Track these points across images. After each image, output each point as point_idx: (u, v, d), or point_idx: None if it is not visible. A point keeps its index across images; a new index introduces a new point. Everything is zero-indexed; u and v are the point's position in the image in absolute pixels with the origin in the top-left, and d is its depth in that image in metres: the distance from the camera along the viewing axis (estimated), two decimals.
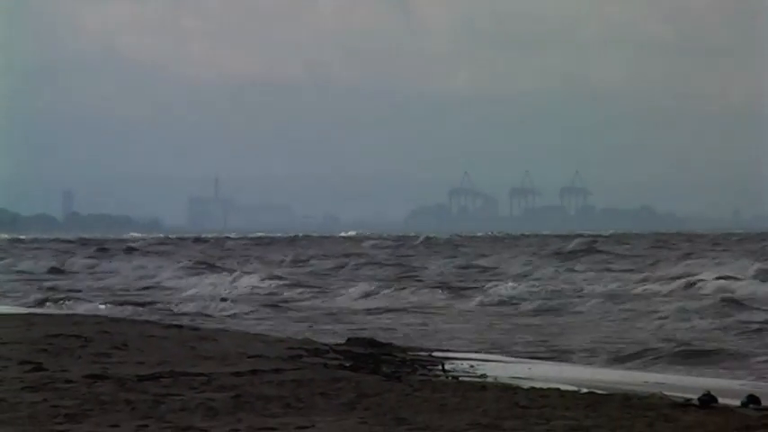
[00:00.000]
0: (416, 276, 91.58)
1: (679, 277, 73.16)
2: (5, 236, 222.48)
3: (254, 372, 25.10)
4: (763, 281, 69.37)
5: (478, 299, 62.15)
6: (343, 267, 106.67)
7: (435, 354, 32.76)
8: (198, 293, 71.04)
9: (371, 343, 34.57)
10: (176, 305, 60.39)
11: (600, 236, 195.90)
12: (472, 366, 29.65)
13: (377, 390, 23.04)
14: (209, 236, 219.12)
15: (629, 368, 32.13)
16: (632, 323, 47.52)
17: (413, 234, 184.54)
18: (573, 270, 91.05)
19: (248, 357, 28.37)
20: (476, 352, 34.61)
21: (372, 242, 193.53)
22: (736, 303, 51.43)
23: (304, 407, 20.31)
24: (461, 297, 64.29)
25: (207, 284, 78.24)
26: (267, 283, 78.41)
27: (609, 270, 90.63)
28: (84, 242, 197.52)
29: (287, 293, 71.40)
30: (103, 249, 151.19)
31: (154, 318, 49.39)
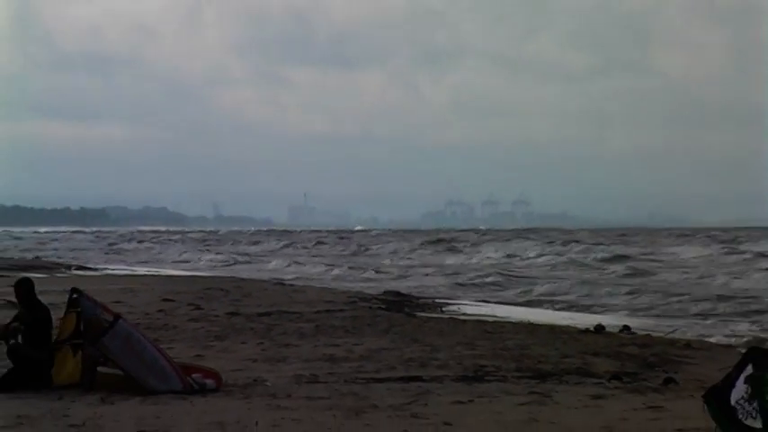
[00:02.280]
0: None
1: (490, 255, 70.68)
2: (177, 228, 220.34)
3: (327, 311, 25.06)
4: (535, 258, 65.94)
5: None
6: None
7: (437, 301, 32.65)
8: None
9: (398, 294, 34.48)
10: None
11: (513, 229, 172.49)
12: (458, 308, 29.42)
13: (401, 322, 23.00)
14: (283, 229, 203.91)
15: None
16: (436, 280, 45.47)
17: (419, 229, 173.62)
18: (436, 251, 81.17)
19: (324, 302, 28.33)
20: (460, 299, 34.09)
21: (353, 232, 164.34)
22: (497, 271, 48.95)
23: (357, 332, 20.30)
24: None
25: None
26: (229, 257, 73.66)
27: (448, 250, 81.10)
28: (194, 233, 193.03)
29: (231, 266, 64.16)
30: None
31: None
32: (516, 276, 46.76)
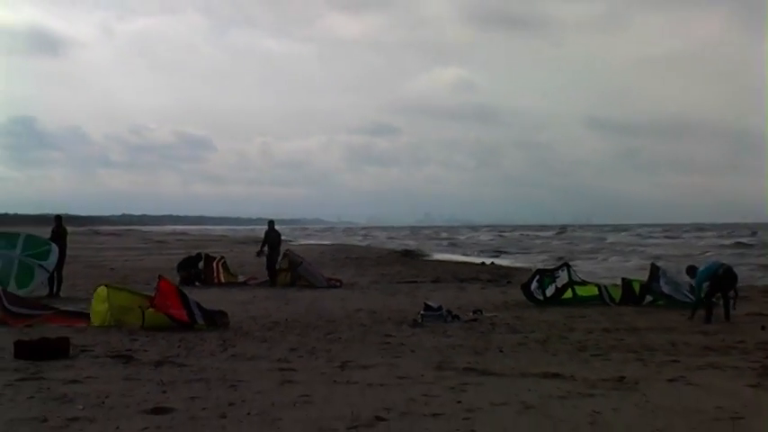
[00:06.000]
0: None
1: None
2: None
3: (380, 256, 24.29)
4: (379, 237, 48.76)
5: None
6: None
7: (424, 251, 30.71)
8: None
9: (410, 249, 31.20)
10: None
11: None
12: (434, 256, 27.49)
13: (410, 261, 22.26)
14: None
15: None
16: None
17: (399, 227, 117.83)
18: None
19: (379, 253, 27.47)
20: (440, 253, 30.48)
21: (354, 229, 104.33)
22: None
23: (392, 264, 19.82)
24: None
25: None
26: None
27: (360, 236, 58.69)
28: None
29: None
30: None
31: None
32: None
